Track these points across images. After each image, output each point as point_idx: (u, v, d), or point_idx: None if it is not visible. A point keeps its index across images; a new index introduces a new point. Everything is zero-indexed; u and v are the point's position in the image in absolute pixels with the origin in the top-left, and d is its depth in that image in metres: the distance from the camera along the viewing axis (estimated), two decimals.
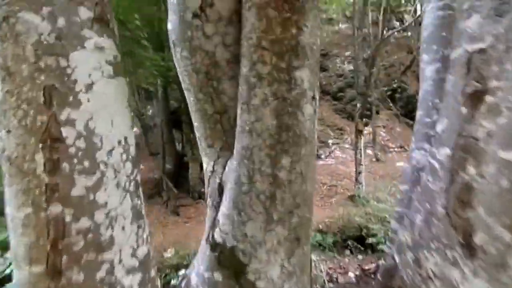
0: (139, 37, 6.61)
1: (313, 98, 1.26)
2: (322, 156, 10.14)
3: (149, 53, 6.44)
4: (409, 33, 12.73)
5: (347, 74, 12.12)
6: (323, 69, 12.20)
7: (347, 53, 12.62)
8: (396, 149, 10.52)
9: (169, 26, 1.34)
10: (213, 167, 1.44)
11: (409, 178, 1.91)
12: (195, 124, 1.46)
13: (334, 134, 11.03)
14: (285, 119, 1.20)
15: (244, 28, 1.20)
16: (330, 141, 10.75)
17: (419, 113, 1.91)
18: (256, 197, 1.24)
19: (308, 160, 1.27)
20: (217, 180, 1.42)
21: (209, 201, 1.47)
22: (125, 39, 5.90)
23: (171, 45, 1.37)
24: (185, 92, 1.42)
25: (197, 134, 1.48)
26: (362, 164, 7.03)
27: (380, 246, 4.35)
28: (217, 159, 1.43)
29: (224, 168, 1.40)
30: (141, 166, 8.62)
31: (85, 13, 0.96)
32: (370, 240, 4.64)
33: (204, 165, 1.51)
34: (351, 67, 11.64)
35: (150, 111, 11.51)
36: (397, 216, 1.95)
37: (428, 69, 1.78)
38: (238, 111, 1.27)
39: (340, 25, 13.73)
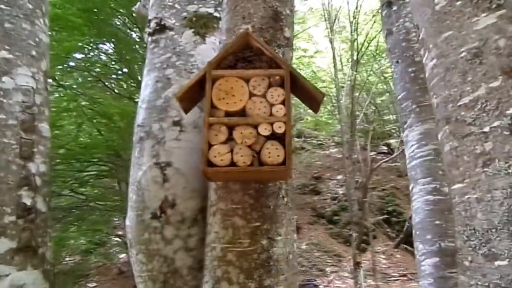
0: None
1: None
2: (321, 287, 9.35)
3: None
4: (398, 162, 12.97)
5: (341, 198, 11.98)
6: (316, 192, 12.19)
7: (339, 177, 12.69)
8: (399, 278, 9.79)
9: (127, 221, 1.18)
10: None
11: None
12: None
13: (332, 261, 10.40)
14: None
15: (208, 235, 1.04)
16: (328, 269, 10.05)
17: None
18: None
19: None
20: None
21: None
22: None
23: (128, 243, 1.19)
24: None
25: None
26: None
27: None
28: None
29: None
30: None
31: (4, 244, 0.79)
32: None
33: None
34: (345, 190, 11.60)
35: None
36: None
37: (425, 262, 1.54)
38: None
39: (331, 149, 14.16)
